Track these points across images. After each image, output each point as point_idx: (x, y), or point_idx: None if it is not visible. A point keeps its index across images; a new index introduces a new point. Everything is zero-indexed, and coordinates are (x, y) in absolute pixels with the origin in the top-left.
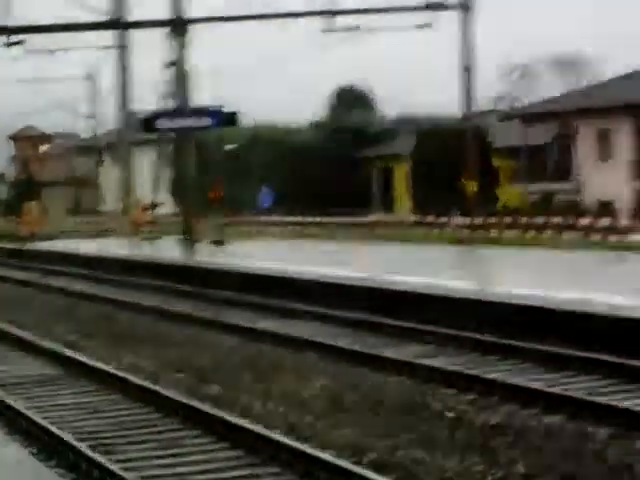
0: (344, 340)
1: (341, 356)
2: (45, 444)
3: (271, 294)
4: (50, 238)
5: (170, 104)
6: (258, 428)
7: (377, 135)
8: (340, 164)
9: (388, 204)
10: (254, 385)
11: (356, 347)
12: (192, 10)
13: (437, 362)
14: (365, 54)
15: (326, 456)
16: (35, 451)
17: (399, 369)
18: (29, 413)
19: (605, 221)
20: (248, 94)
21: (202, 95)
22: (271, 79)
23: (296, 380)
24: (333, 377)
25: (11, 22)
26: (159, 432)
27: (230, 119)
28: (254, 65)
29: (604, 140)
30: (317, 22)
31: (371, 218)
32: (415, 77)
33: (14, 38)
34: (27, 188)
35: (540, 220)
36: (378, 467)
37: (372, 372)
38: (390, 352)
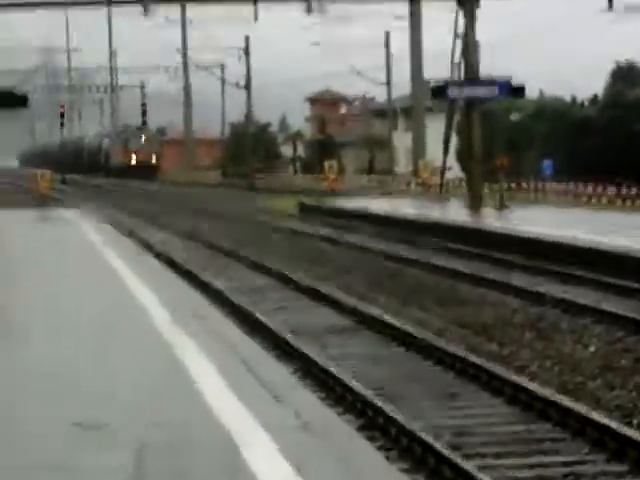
0: (621, 307)
1: (617, 322)
2: (333, 390)
3: (554, 259)
4: (347, 195)
5: (459, 73)
6: (533, 386)
7: None
8: (620, 137)
9: None
10: (532, 345)
11: (632, 314)
12: None
13: None
14: None
15: (597, 416)
16: (324, 396)
17: None
18: (320, 360)
19: None
20: (530, 66)
21: (488, 66)
22: (552, 53)
23: (572, 342)
24: (607, 341)
25: None
26: (439, 385)
27: (518, 90)
28: (535, 38)
29: None
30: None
31: None
32: None
33: (314, 6)
34: (326, 147)
35: None
36: None
37: None
38: None
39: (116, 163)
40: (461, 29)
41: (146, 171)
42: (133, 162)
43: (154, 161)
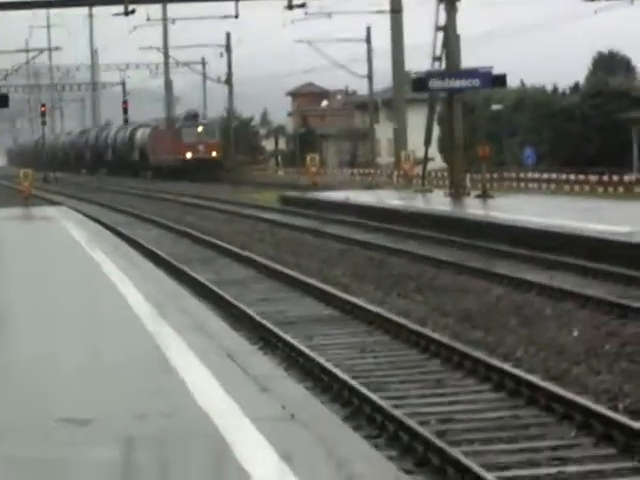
0: (603, 291)
1: (599, 307)
2: (319, 380)
3: (537, 247)
4: (328, 188)
5: (440, 66)
6: (519, 372)
7: (637, 99)
8: (601, 126)
9: None
10: (516, 331)
11: (613, 298)
12: None
13: None
14: (627, 21)
15: (583, 400)
16: (310, 386)
17: None
18: (306, 350)
19: None
20: (512, 56)
21: (470, 57)
22: (532, 42)
23: (556, 328)
24: (591, 326)
25: None
26: (423, 372)
27: (499, 80)
28: (516, 29)
29: None
30: None
31: (630, 177)
32: None
33: (296, 1)
34: (307, 141)
35: None
36: (633, 413)
37: (630, 322)
38: None
39: (162, 160)
40: (442, 22)
41: (207, 169)
42: (188, 158)
43: (215, 155)
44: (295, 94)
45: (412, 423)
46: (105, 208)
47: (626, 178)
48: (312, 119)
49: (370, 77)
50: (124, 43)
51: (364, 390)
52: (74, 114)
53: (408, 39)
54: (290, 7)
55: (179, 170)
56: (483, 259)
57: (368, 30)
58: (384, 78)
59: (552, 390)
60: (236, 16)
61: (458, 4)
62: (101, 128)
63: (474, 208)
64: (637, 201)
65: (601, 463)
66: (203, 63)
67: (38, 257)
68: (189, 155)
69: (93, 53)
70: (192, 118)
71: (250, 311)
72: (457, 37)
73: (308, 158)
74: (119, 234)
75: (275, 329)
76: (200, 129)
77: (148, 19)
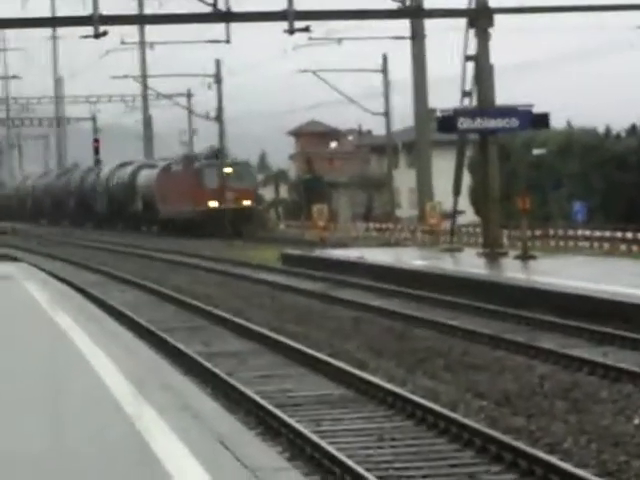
0: None
1: None
2: (329, 472)
3: (589, 318)
4: (340, 245)
5: (471, 102)
6: (567, 466)
7: None
8: None
9: None
10: (564, 418)
11: None
12: None
13: None
14: None
15: None
16: None
17: None
18: (313, 437)
19: None
20: (557, 92)
21: (506, 93)
22: (581, 76)
23: (612, 414)
24: None
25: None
26: (453, 465)
27: (541, 120)
28: (561, 60)
29: None
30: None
31: None
32: None
33: (298, 24)
34: (314, 189)
35: None
36: None
37: None
38: None
39: (176, 211)
40: (472, 50)
41: (237, 221)
42: (212, 206)
43: (249, 204)
44: (298, 134)
45: None
46: (73, 265)
47: None
48: (319, 163)
49: (387, 114)
50: (94, 71)
51: None
52: (34, 154)
53: (432, 70)
54: (291, 32)
55: (198, 224)
56: (524, 331)
57: (384, 59)
58: (404, 116)
59: None
60: (227, 41)
61: (491, 30)
62: (89, 168)
63: (513, 271)
64: None
65: None
66: (188, 95)
67: None
68: (213, 204)
69: (57, 82)
70: (216, 156)
71: (247, 390)
72: (491, 68)
73: (315, 209)
74: (90, 297)
75: (277, 412)
76: (229, 170)
77: (122, 42)
